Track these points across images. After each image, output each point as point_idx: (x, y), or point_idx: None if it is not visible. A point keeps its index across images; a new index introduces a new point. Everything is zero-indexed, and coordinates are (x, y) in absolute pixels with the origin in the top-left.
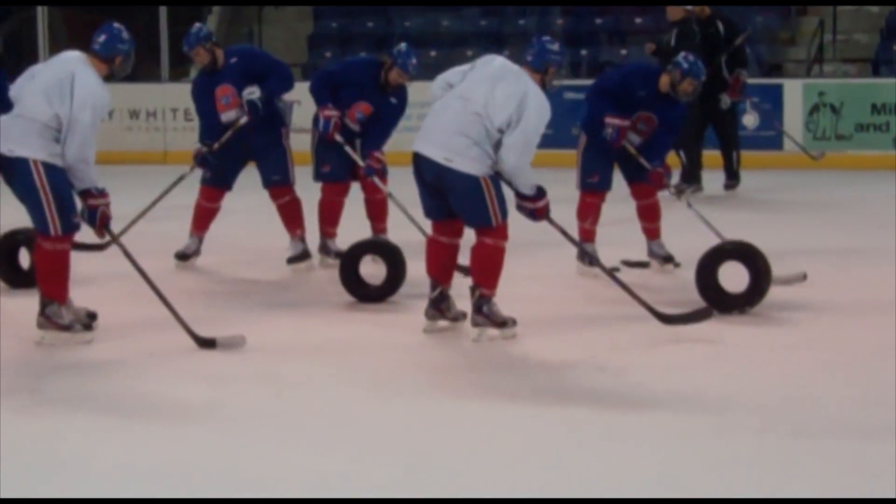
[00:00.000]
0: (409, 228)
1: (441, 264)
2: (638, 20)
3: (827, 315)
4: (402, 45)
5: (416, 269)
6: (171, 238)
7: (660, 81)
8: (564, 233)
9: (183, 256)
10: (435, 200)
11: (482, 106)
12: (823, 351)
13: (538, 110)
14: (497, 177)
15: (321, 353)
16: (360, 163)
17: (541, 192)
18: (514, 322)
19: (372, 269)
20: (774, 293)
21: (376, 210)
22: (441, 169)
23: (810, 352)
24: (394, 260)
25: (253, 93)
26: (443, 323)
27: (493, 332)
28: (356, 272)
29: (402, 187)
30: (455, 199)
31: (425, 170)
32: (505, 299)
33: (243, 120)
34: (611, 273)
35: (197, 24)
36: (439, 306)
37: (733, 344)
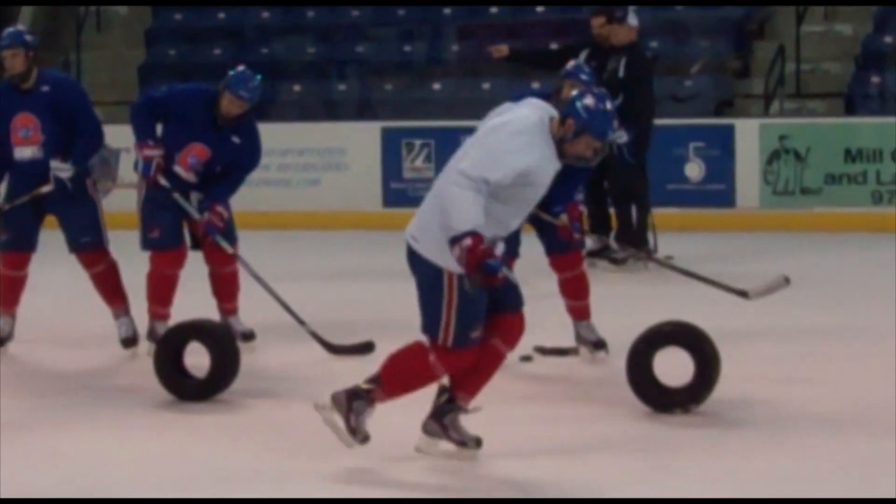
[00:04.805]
0: (269, 307)
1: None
2: (553, 45)
3: (789, 413)
4: (239, 67)
5: (262, 358)
6: None
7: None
8: None
9: None
10: None
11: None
12: (786, 458)
13: (510, 125)
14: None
15: (139, 468)
16: (196, 216)
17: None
18: (365, 437)
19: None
20: (724, 386)
21: (223, 286)
22: (407, 250)
23: (770, 459)
24: (219, 347)
25: (64, 171)
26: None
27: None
28: (176, 363)
29: (257, 254)
30: (417, 289)
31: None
32: None
33: (46, 188)
34: None
35: (20, 25)
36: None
37: (673, 452)
